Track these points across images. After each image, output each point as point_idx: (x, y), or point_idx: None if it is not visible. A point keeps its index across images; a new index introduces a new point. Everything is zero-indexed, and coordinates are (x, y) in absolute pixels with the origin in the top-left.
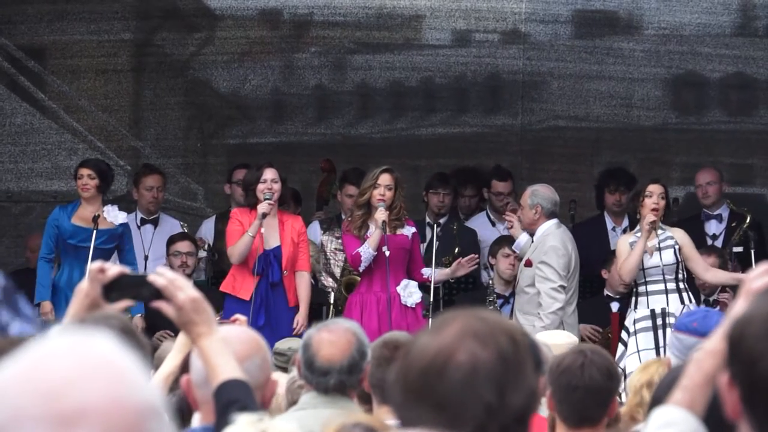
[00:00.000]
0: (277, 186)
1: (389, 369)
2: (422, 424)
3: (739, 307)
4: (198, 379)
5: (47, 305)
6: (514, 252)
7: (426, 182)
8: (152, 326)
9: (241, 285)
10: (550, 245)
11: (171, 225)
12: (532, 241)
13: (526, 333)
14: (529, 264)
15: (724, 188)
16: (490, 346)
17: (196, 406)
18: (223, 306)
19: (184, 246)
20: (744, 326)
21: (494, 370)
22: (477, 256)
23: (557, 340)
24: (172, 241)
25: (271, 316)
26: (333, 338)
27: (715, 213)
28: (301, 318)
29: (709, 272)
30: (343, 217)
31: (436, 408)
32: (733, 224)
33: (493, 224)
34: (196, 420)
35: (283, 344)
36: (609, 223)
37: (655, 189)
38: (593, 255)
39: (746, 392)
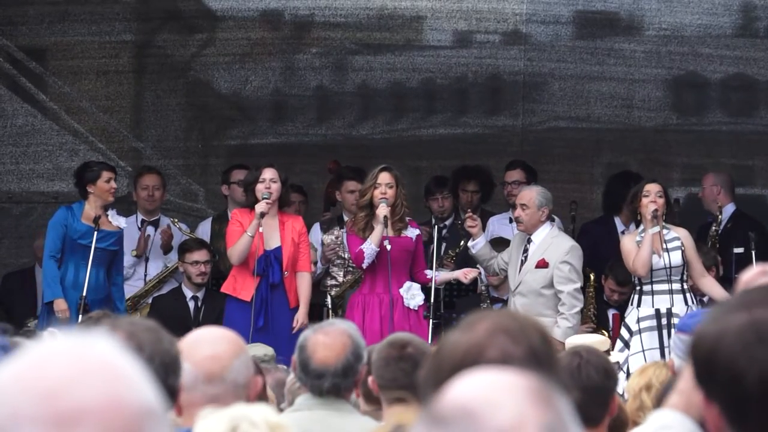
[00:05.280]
0: (275, 186)
1: (397, 368)
2: None
3: None
4: (185, 382)
5: (62, 302)
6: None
7: (424, 187)
8: None
9: (242, 286)
10: (570, 245)
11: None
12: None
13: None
14: (543, 265)
15: (717, 190)
16: (522, 342)
17: (180, 410)
18: (225, 307)
19: (201, 255)
20: (714, 344)
21: (526, 367)
22: (477, 270)
23: (591, 342)
24: (187, 248)
25: (270, 317)
26: (328, 341)
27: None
28: (300, 316)
29: (704, 279)
30: (345, 218)
31: None
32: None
33: (510, 221)
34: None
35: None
36: (620, 225)
37: (652, 188)
38: (602, 255)
39: (731, 409)
